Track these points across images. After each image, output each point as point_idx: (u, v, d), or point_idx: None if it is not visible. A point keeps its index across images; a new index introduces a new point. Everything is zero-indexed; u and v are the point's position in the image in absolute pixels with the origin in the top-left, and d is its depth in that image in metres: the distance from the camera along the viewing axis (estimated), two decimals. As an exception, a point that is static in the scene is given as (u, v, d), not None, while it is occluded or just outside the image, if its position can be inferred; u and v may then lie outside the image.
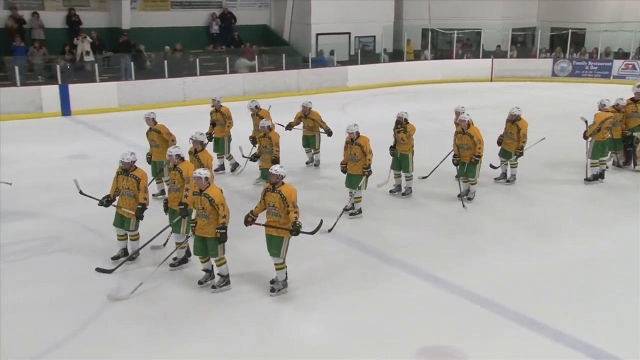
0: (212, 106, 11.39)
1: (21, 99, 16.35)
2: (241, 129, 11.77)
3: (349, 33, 23.50)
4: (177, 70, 19.09)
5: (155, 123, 9.95)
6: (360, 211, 9.38)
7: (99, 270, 7.38)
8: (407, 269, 7.60)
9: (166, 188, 9.32)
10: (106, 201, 7.49)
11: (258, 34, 22.97)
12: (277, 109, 11.98)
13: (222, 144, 11.38)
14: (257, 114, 11.39)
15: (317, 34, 22.68)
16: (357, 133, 9.14)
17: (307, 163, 12.16)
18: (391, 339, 6.06)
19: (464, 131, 9.59)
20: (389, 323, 6.36)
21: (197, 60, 19.30)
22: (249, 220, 6.81)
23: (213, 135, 11.26)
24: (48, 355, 5.79)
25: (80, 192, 7.76)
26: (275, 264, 6.84)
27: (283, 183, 6.70)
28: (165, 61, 18.85)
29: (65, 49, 18.53)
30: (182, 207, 7.17)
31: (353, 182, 9.18)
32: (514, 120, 10.43)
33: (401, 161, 10.00)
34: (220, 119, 11.32)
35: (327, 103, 15.97)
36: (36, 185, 10.71)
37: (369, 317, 6.48)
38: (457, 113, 10.33)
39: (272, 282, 6.95)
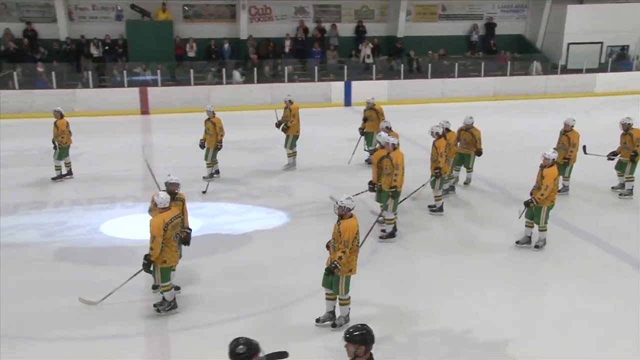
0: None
1: (315, 91, 19.46)
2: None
3: (601, 42, 23.24)
4: (438, 72, 21.18)
5: (214, 115, 11.14)
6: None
7: None
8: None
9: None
10: None
11: (513, 43, 23.82)
12: (522, 110, 12.41)
13: (207, 152, 11.23)
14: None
15: (569, 44, 22.90)
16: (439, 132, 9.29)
17: (446, 191, 10.34)
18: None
19: None
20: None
21: (456, 64, 21.20)
22: (328, 245, 6.29)
23: (205, 144, 11.19)
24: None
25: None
26: (339, 299, 6.27)
27: (351, 215, 6.09)
28: (430, 64, 21.14)
29: (352, 53, 21.69)
30: (145, 261, 6.34)
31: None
32: None
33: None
34: (211, 128, 11.13)
35: (572, 107, 16.62)
36: (327, 158, 12.94)
37: None
38: None
39: (322, 318, 6.34)
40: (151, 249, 6.21)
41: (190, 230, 6.97)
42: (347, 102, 19.76)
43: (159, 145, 14.28)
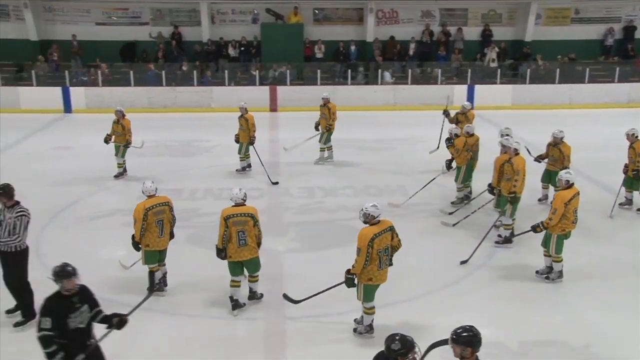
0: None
1: (438, 94, 18.56)
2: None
3: None
4: (567, 77, 19.93)
5: (247, 112, 11.41)
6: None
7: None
8: None
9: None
10: None
11: (653, 47, 21.98)
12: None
13: (240, 147, 11.62)
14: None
15: None
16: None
17: (461, 199, 9.91)
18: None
19: None
20: None
21: (587, 69, 19.85)
22: None
23: (239, 139, 11.56)
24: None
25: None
26: (363, 307, 6.06)
27: (379, 222, 5.82)
28: (558, 69, 19.96)
29: (477, 57, 21.07)
30: (132, 241, 6.79)
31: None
32: None
33: None
34: (244, 124, 11.42)
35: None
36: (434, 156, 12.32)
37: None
38: None
39: (356, 321, 6.26)
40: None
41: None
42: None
43: (285, 141, 14.71)
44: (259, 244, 6.55)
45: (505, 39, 21.66)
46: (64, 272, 4.59)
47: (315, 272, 5.93)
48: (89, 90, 18.65)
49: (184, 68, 19.58)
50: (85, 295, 4.70)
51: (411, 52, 21.06)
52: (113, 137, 11.40)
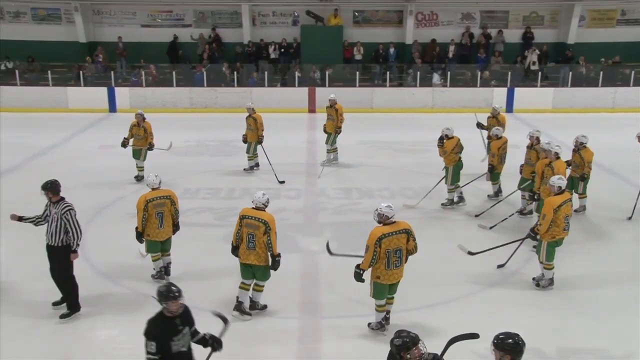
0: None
1: (477, 96, 18.75)
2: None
3: None
4: (610, 80, 19.40)
5: (254, 112, 11.56)
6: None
7: None
8: None
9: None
10: None
11: None
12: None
13: (248, 146, 11.77)
14: None
15: None
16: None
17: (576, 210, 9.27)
18: None
19: None
20: None
21: (632, 72, 19.26)
22: None
23: (247, 138, 11.70)
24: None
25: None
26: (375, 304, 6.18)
27: (393, 222, 5.88)
28: (601, 72, 19.43)
29: (517, 60, 20.69)
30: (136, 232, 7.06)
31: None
32: None
33: None
34: (252, 124, 11.61)
35: None
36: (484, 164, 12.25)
37: None
38: None
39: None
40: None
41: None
42: (509, 108, 18.85)
43: (322, 142, 14.73)
44: (272, 255, 6.27)
45: (547, 41, 21.23)
46: (169, 294, 4.34)
47: (350, 272, 5.93)
48: (133, 91, 19.06)
49: (225, 69, 19.82)
50: (187, 317, 4.46)
51: (450, 55, 20.84)
52: (131, 140, 11.33)
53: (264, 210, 6.31)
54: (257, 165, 12.08)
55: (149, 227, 6.96)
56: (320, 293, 7.15)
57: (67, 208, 6.27)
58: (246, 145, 11.91)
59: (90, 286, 6.88)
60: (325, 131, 12.51)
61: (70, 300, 6.48)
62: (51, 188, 6.33)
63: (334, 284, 7.18)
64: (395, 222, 5.86)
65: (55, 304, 6.60)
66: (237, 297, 6.47)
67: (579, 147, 9.30)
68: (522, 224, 8.92)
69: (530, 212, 9.32)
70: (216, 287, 7.12)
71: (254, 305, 6.54)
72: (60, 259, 6.35)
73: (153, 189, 7.06)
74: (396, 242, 5.80)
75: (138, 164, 11.43)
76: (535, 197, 8.50)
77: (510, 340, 3.84)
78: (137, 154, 11.35)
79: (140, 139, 11.22)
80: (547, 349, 5.90)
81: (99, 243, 8.35)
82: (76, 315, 6.46)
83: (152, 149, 11.35)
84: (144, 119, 11.32)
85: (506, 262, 7.63)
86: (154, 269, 7.24)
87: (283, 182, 11.27)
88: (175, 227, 7.21)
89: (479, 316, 6.44)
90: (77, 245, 6.37)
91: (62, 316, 6.43)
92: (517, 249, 7.64)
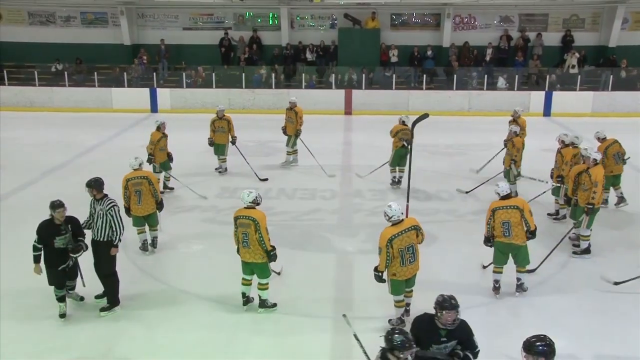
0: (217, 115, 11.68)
1: (514, 100, 18.05)
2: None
3: None
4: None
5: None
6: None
7: None
8: None
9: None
10: None
11: None
12: None
13: (221, 148, 11.66)
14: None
15: None
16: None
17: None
18: None
19: None
20: None
21: (676, 76, 18.70)
22: None
23: (214, 141, 11.60)
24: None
25: None
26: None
27: (400, 221, 5.97)
28: (644, 75, 18.89)
29: (556, 63, 20.23)
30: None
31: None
32: None
33: None
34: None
35: None
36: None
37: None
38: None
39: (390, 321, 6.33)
40: None
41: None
42: (546, 112, 18.55)
43: (357, 144, 14.73)
44: (266, 252, 6.35)
45: (587, 44, 20.74)
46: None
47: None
48: (174, 92, 19.38)
49: (263, 71, 19.94)
50: None
51: (487, 58, 20.51)
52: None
53: (255, 209, 6.40)
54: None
55: (131, 204, 7.75)
56: (354, 293, 7.11)
57: (111, 204, 6.43)
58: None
59: (129, 282, 6.99)
60: (284, 133, 12.38)
61: (111, 294, 6.60)
62: (95, 185, 6.51)
63: (368, 285, 7.11)
64: (402, 220, 5.96)
65: (97, 297, 6.73)
66: (243, 293, 6.60)
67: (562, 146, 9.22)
68: (558, 229, 8.67)
69: (564, 217, 9.09)
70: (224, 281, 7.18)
71: (263, 303, 6.61)
72: (105, 254, 6.49)
73: (134, 170, 7.81)
74: (407, 240, 5.92)
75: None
76: (572, 203, 8.21)
77: (542, 343, 3.75)
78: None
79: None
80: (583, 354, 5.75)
81: (138, 241, 8.45)
82: (116, 309, 6.58)
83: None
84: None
85: (537, 268, 7.42)
86: (139, 241, 7.95)
87: (266, 179, 11.40)
88: (159, 205, 7.94)
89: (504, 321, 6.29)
90: (119, 240, 6.52)
91: (102, 309, 6.56)
92: (549, 254, 7.52)
